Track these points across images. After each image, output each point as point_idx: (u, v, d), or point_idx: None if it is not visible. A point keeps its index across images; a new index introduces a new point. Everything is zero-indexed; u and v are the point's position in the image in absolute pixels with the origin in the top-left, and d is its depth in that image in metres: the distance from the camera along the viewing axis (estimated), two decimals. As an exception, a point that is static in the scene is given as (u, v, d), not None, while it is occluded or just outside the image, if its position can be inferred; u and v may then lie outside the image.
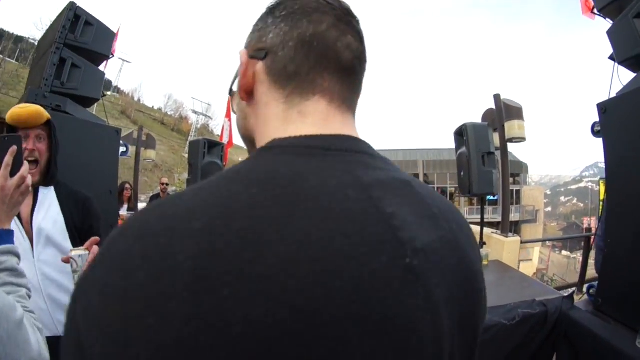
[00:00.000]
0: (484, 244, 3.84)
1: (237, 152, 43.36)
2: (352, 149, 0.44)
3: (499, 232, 4.27)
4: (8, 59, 29.83)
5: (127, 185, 6.27)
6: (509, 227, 4.28)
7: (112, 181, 2.63)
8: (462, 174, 3.68)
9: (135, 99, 47.21)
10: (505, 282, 2.80)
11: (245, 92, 0.50)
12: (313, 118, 0.46)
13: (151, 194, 8.14)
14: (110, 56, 2.89)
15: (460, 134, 3.72)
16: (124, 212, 5.91)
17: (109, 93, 44.41)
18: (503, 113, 4.12)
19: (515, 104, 4.07)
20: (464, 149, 3.63)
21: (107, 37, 2.76)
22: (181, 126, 46.07)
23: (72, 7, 2.47)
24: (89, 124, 2.50)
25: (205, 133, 43.04)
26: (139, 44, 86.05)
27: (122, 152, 3.51)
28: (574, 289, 4.75)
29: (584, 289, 4.54)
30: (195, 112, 45.90)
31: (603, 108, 1.85)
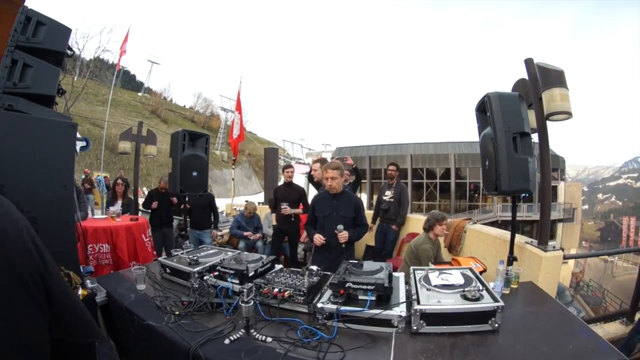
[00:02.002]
0: (514, 259, 3.00)
1: (249, 145, 43.94)
2: None
3: (534, 242, 3.32)
4: None
5: (119, 181, 5.88)
6: (548, 236, 3.30)
7: (67, 176, 2.63)
8: (486, 163, 2.89)
9: (167, 99, 48.40)
10: (540, 321, 2.05)
11: None
12: None
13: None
14: (68, 52, 2.80)
15: (483, 109, 2.91)
16: (116, 208, 5.50)
17: (139, 94, 46.43)
18: (539, 81, 3.19)
19: (554, 68, 3.15)
20: (488, 130, 2.84)
21: (61, 34, 2.75)
22: (211, 123, 46.73)
23: (23, 10, 2.56)
24: (42, 121, 2.50)
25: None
26: (167, 45, 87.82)
27: (82, 146, 3.13)
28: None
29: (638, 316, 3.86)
30: (224, 109, 46.25)
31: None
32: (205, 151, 4.02)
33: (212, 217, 6.08)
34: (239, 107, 8.91)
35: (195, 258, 2.76)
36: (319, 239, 3.34)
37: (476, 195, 29.33)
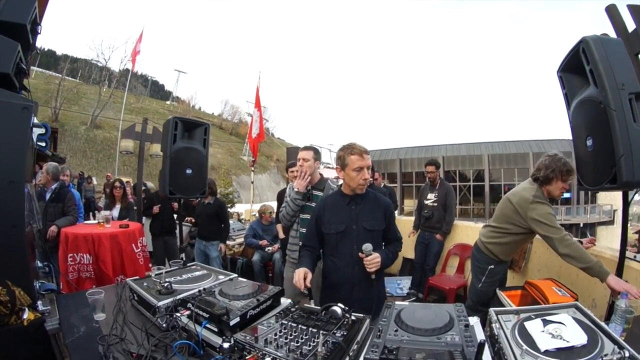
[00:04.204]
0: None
1: (271, 147, 43.67)
2: None
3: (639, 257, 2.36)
4: (67, 77, 32.01)
5: (117, 183, 5.20)
6: None
7: (16, 170, 2.13)
8: (589, 143, 1.97)
9: (195, 106, 49.20)
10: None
11: None
12: None
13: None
14: (31, 26, 2.46)
15: (573, 66, 2.03)
16: (108, 213, 4.83)
17: (167, 102, 47.13)
18: (639, 27, 2.26)
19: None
20: (590, 91, 1.93)
21: (22, 5, 2.39)
22: (239, 130, 46.75)
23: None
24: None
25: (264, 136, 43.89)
26: (193, 54, 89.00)
27: (40, 134, 2.48)
28: None
29: None
30: (250, 115, 46.10)
31: None
32: (204, 144, 3.26)
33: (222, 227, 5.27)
34: (258, 104, 8.16)
35: (168, 284, 1.97)
36: (299, 280, 2.05)
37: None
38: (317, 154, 3.01)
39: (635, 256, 2.41)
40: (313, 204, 2.90)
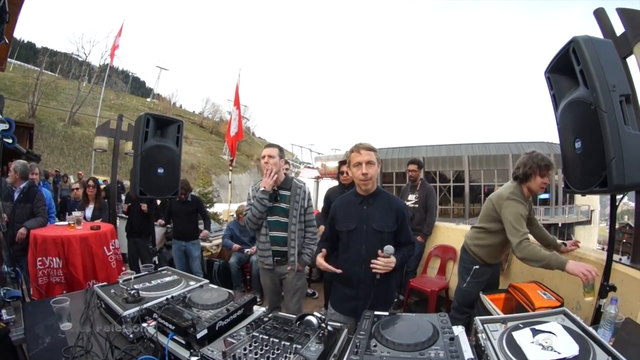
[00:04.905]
0: (613, 288, 2.02)
1: (252, 146, 43.42)
2: None
3: (624, 259, 2.33)
4: (46, 71, 30.95)
5: (91, 182, 4.97)
6: None
7: None
8: (578, 145, 1.91)
9: (176, 104, 48.45)
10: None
11: None
12: None
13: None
14: None
15: (562, 67, 1.98)
16: (86, 213, 4.64)
17: (148, 100, 46.25)
18: (627, 32, 2.24)
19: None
20: (579, 93, 1.87)
21: None
22: (220, 128, 46.15)
23: None
24: None
25: (245, 135, 43.31)
26: (176, 51, 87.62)
27: (4, 129, 2.30)
28: None
29: None
30: (230, 113, 45.62)
31: None
32: (177, 142, 3.11)
33: (200, 224, 5.09)
34: (237, 103, 7.94)
35: (135, 291, 1.84)
36: (323, 264, 2.22)
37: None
38: (281, 151, 2.91)
39: (620, 259, 2.37)
40: (282, 205, 2.82)
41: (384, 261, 2.01)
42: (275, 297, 3.01)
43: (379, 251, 2.03)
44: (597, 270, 2.06)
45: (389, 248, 2.02)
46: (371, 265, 2.03)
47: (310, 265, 2.93)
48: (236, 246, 5.06)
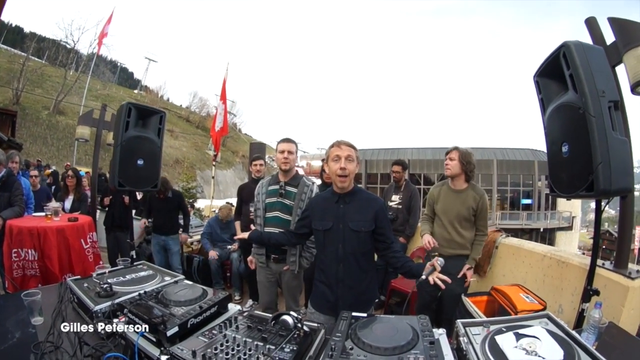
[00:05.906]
0: (596, 293, 2.04)
1: (238, 142, 43.18)
2: None
3: (607, 264, 2.35)
4: (32, 57, 30.20)
5: (70, 172, 4.84)
6: (628, 257, 2.31)
7: None
8: (564, 148, 1.91)
9: (163, 97, 47.83)
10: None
11: None
12: None
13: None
14: None
15: (551, 71, 1.98)
16: (65, 204, 4.51)
17: (135, 91, 45.51)
18: (617, 40, 2.25)
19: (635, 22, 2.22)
20: (568, 97, 1.86)
21: None
22: (206, 123, 45.73)
23: None
24: None
25: (231, 131, 42.87)
26: (165, 43, 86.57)
27: None
28: None
29: None
30: (216, 107, 45.22)
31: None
32: (158, 133, 3.03)
33: (181, 219, 4.99)
34: (223, 97, 7.81)
35: (108, 286, 1.77)
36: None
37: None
38: (297, 146, 2.85)
39: (603, 264, 2.37)
40: (286, 201, 2.73)
41: (442, 277, 1.80)
42: (268, 297, 2.91)
43: (435, 260, 1.87)
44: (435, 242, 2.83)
45: (441, 262, 1.86)
46: (433, 276, 1.81)
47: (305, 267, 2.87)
48: (213, 252, 4.88)
